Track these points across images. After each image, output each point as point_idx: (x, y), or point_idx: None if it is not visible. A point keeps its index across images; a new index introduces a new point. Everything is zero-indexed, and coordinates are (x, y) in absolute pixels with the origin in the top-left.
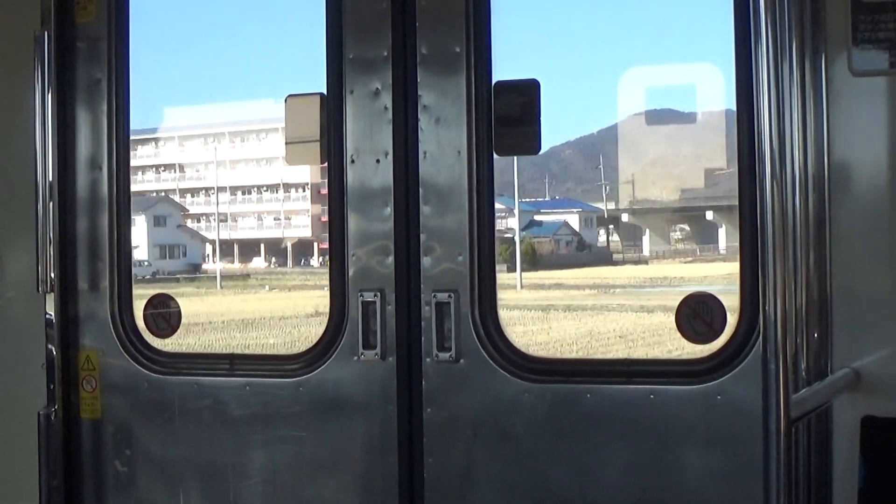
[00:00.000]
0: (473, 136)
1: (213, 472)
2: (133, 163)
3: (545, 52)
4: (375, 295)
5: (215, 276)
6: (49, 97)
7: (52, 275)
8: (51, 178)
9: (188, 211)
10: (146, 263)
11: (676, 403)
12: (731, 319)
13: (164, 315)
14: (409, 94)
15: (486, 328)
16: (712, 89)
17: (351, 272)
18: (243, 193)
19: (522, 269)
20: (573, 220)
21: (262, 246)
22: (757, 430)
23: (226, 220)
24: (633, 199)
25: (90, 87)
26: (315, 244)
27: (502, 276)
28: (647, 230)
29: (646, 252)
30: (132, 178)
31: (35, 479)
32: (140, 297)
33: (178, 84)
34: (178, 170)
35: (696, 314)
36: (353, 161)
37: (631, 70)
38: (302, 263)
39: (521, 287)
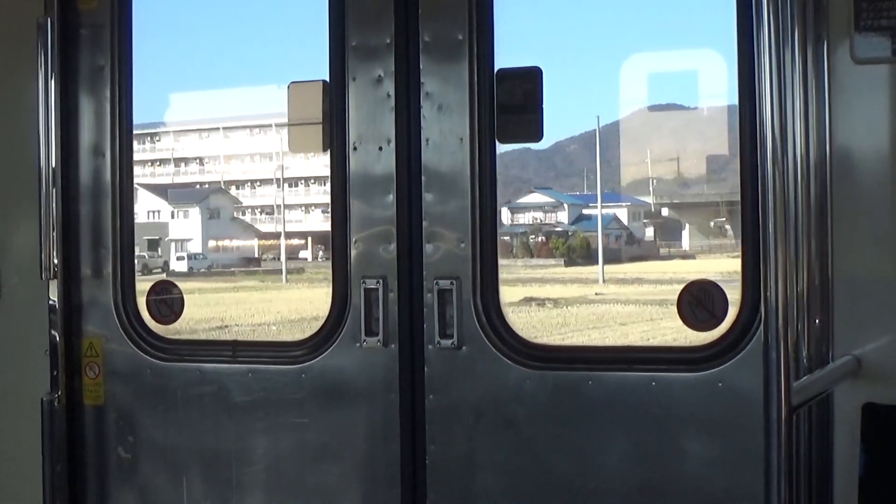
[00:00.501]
0: (476, 123)
1: (215, 459)
2: (179, 154)
3: (548, 39)
4: (378, 282)
5: (272, 270)
6: (52, 84)
7: (56, 261)
8: (54, 165)
9: (242, 203)
10: (201, 257)
11: (678, 391)
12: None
13: (168, 302)
14: (412, 82)
15: (487, 315)
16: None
17: (353, 259)
18: (290, 186)
19: (572, 264)
20: (622, 215)
21: (310, 239)
22: (758, 418)
23: (272, 213)
24: (674, 192)
25: (93, 75)
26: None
27: (577, 271)
28: (688, 225)
29: (685, 247)
30: (183, 169)
31: (38, 464)
32: (202, 291)
33: (184, 74)
34: (222, 161)
35: (698, 301)
36: (355, 148)
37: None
38: None
39: (604, 281)
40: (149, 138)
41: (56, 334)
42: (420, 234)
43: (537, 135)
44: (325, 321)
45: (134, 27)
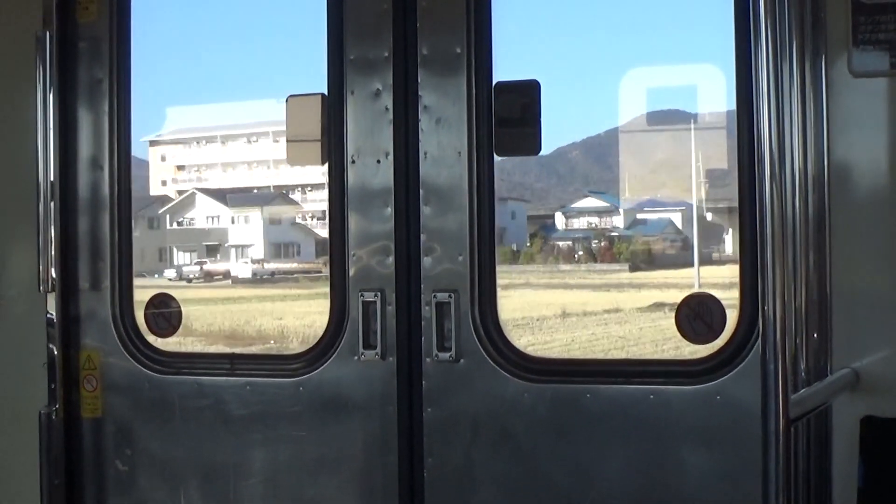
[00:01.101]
0: (474, 136)
1: (213, 472)
2: (234, 159)
3: (546, 52)
4: (376, 295)
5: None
6: (51, 97)
7: (54, 274)
8: (52, 178)
9: (302, 208)
10: (265, 262)
11: (676, 403)
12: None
13: (165, 315)
14: (410, 95)
15: (486, 328)
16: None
17: (351, 272)
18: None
19: (636, 269)
20: (677, 219)
21: None
22: (756, 430)
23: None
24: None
25: (92, 87)
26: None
27: (646, 276)
28: (731, 229)
29: (728, 251)
30: (243, 174)
31: (36, 478)
32: (263, 299)
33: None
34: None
35: (697, 314)
36: (353, 161)
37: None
38: None
39: (699, 286)
40: (197, 143)
41: (54, 347)
42: (418, 247)
43: (535, 148)
44: (323, 334)
45: (133, 40)
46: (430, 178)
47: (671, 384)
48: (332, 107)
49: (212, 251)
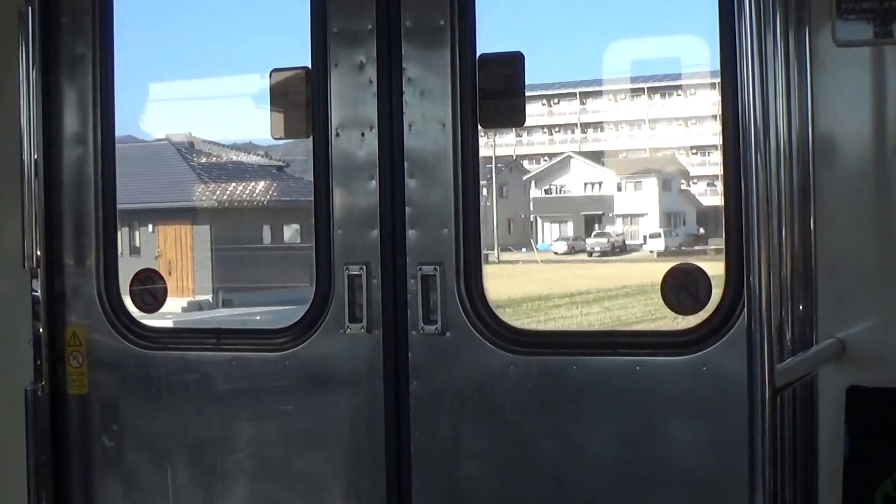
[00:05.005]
0: (458, 108)
1: (200, 447)
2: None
3: (530, 24)
4: (361, 268)
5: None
6: (34, 73)
7: (39, 251)
8: (36, 155)
9: (690, 173)
10: (675, 234)
11: (662, 374)
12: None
13: (151, 291)
14: (394, 67)
15: (471, 301)
16: None
17: (336, 246)
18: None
19: None
20: None
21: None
22: (743, 401)
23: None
24: None
25: (74, 63)
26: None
27: None
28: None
29: None
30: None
31: (22, 455)
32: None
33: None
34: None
35: (682, 285)
36: (337, 134)
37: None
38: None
39: None
40: (558, 100)
41: (39, 324)
42: (403, 219)
43: (520, 119)
44: (309, 308)
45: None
46: (415, 151)
47: (657, 355)
48: (316, 80)
49: (590, 222)
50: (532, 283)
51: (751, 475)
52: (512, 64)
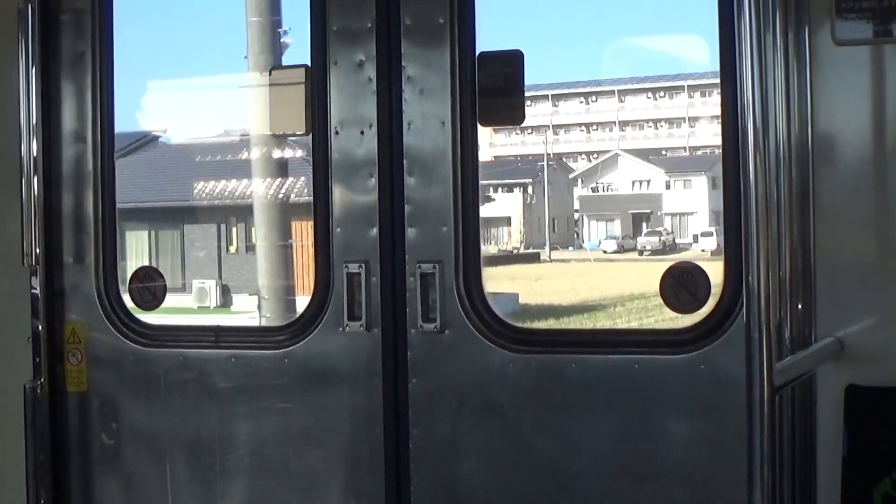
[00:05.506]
0: (457, 106)
1: (199, 445)
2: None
3: (529, 22)
4: (360, 266)
5: None
6: (33, 71)
7: (38, 248)
8: (35, 153)
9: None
10: (709, 234)
11: (660, 373)
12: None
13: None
14: (394, 66)
15: (470, 299)
16: None
17: (335, 243)
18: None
19: None
20: None
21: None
22: (741, 399)
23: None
24: None
25: (74, 60)
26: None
27: None
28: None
29: None
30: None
31: (21, 452)
32: None
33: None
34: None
35: (681, 284)
36: (337, 132)
37: None
38: None
39: None
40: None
41: (38, 321)
42: (402, 217)
43: (519, 118)
44: (308, 306)
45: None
46: (414, 149)
47: (656, 353)
48: (316, 78)
49: (637, 220)
50: (605, 282)
51: (749, 474)
52: (511, 62)
